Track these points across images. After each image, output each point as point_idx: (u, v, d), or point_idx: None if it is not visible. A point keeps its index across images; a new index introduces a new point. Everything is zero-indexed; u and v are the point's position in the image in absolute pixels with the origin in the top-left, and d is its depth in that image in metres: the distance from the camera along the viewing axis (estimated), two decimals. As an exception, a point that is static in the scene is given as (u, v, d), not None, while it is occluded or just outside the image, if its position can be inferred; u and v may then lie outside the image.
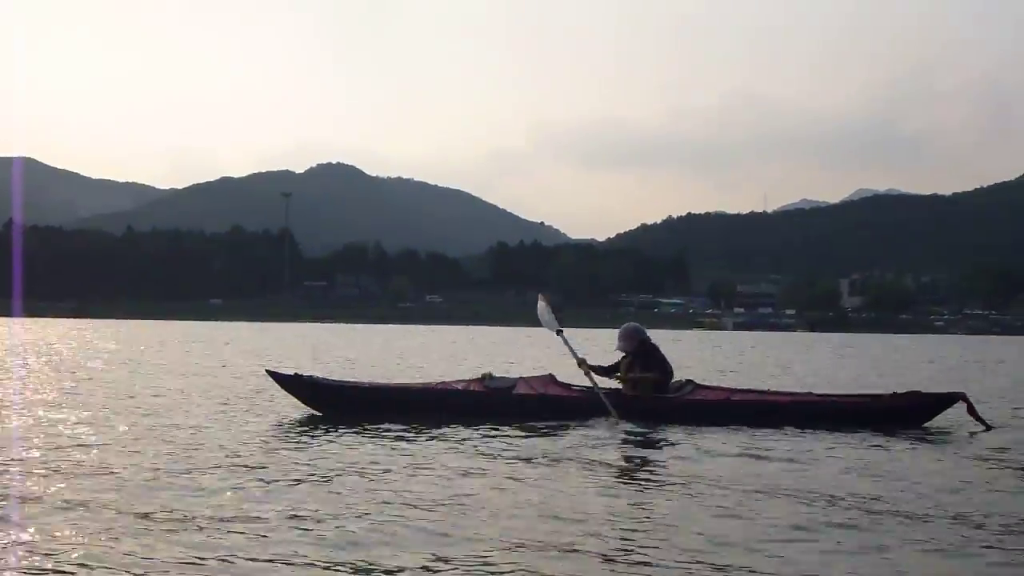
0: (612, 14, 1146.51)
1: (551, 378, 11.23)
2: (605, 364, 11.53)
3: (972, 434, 10.51)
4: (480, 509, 6.18)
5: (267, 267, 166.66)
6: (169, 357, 25.38)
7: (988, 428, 10.73)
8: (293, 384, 11.46)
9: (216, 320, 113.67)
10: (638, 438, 9.64)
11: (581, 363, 11.12)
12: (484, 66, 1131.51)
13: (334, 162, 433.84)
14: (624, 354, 11.37)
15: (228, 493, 6.50)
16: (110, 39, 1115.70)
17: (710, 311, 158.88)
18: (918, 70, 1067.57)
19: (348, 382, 12.52)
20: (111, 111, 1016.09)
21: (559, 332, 11.74)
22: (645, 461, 8.32)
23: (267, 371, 12.01)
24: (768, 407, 10.97)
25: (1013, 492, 7.25)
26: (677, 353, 32.10)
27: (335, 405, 11.16)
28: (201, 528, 5.52)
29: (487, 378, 11.25)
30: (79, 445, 8.56)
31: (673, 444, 9.26)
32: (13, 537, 5.25)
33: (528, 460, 8.13)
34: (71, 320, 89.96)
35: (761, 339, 72.74)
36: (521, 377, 11.36)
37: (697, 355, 31.62)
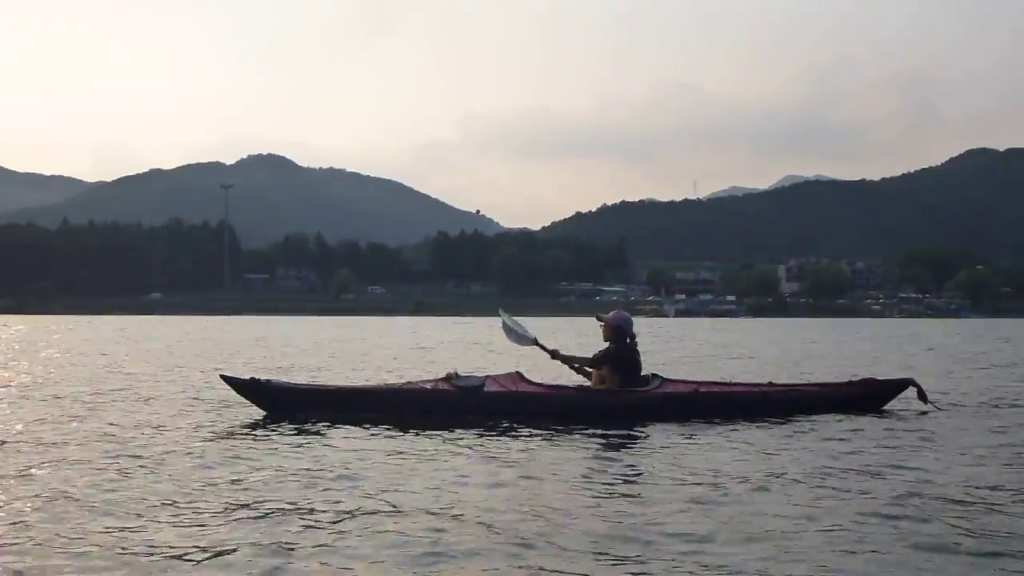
0: (542, 5, 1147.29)
1: (519, 376, 11.05)
2: (584, 356, 11.55)
3: (922, 415, 11.17)
4: (457, 510, 6.15)
5: (206, 260, 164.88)
6: (115, 356, 24.67)
7: (937, 409, 11.45)
8: (250, 389, 10.92)
9: (157, 314, 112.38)
10: (610, 433, 9.59)
11: (553, 355, 11.25)
12: (413, 57, 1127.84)
13: (264, 153, 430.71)
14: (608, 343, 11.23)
15: (180, 501, 6.32)
16: (34, 31, 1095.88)
17: (651, 298, 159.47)
18: (845, 61, 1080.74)
19: (310, 385, 12.07)
20: (36, 104, 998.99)
21: (535, 341, 11.56)
22: (617, 457, 8.33)
23: (222, 376, 11.48)
24: (735, 399, 11.21)
25: (973, 467, 7.80)
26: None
27: (297, 410, 10.64)
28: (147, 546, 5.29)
29: (453, 377, 10.91)
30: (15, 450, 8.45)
31: (645, 439, 9.37)
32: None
33: (501, 459, 8.09)
34: (5, 317, 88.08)
35: (707, 326, 73.19)
36: (489, 375, 11.10)
37: (653, 346, 31.85)
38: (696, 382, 11.76)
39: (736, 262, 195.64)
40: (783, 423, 10.30)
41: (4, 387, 14.67)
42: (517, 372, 11.17)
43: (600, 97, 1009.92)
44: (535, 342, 11.51)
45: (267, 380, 11.14)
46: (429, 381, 11.19)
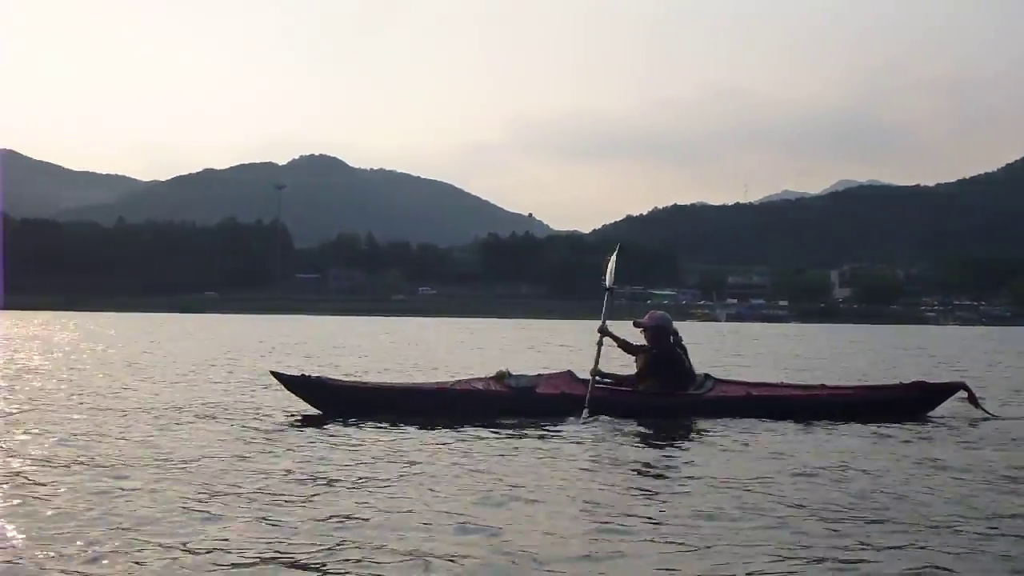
0: (589, 5, 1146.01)
1: (570, 375, 11.03)
2: (632, 343, 11.30)
3: (974, 422, 10.88)
4: (510, 511, 6.11)
5: (259, 259, 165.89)
6: (171, 353, 25.00)
7: (989, 415, 11.16)
8: (300, 385, 10.95)
9: (209, 312, 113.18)
10: (661, 436, 9.54)
11: (601, 330, 11.12)
12: (461, 58, 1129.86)
13: (316, 154, 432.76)
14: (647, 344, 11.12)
15: (235, 502, 6.25)
16: (91, 32, 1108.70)
17: (702, 302, 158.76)
18: (896, 61, 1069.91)
19: (359, 383, 12.02)
20: (93, 104, 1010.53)
21: (607, 289, 11.63)
22: (670, 460, 8.28)
23: (272, 372, 11.53)
24: (785, 401, 11.14)
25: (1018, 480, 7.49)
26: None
27: (345, 406, 10.63)
28: (203, 535, 5.36)
29: (505, 376, 10.93)
30: (78, 444, 8.55)
31: (696, 442, 9.31)
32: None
33: (553, 461, 8.02)
34: (63, 313, 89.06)
35: (760, 331, 72.59)
36: (541, 375, 11.14)
37: (710, 348, 31.61)
38: (747, 383, 11.72)
39: (787, 267, 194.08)
40: (832, 426, 10.28)
41: (60, 383, 14.76)
42: (569, 372, 11.17)
43: (649, 98, 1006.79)
44: (607, 291, 11.63)
45: (317, 376, 11.18)
46: (480, 380, 11.15)
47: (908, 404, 11.31)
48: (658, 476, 7.47)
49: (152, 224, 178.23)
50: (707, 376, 11.22)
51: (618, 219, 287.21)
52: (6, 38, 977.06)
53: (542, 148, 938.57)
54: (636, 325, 11.21)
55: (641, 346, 11.14)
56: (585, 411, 10.22)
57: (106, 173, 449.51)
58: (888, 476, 7.38)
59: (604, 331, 11.12)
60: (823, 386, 12.07)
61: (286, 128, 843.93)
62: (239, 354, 24.31)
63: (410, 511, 6.00)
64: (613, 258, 12.16)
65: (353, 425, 9.82)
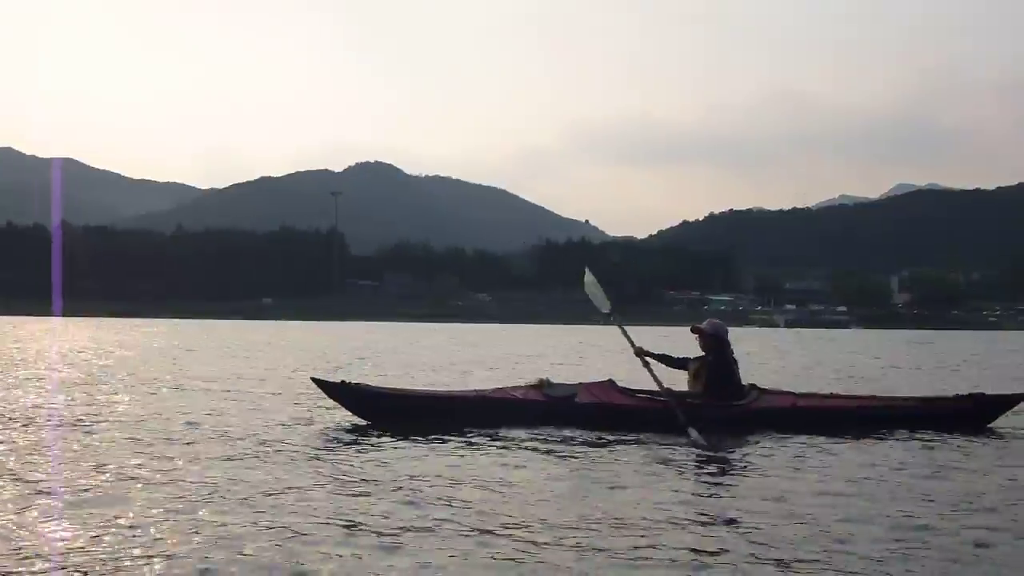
0: (643, 10, 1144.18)
1: (611, 384, 10.81)
2: (673, 355, 11.10)
3: None
4: (547, 521, 6.00)
5: (316, 266, 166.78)
6: (219, 359, 25.15)
7: None
8: (340, 392, 10.89)
9: (267, 319, 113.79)
10: (704, 448, 9.27)
11: (639, 352, 10.78)
12: (516, 64, 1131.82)
13: (372, 161, 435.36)
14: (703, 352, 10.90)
15: (271, 507, 6.23)
16: (149, 43, 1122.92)
17: (760, 308, 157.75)
18: (954, 62, 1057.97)
19: (399, 390, 11.76)
20: (151, 113, 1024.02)
21: (609, 315, 11.32)
22: (713, 473, 8.09)
23: (313, 379, 11.45)
24: (833, 413, 10.79)
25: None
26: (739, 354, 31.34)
27: (385, 414, 10.57)
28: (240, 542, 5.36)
29: (545, 385, 10.73)
30: (121, 447, 8.65)
31: (741, 453, 9.08)
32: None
33: (593, 473, 7.85)
34: (123, 320, 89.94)
35: (818, 336, 71.67)
36: (582, 384, 10.91)
37: (766, 356, 31.12)
38: (794, 394, 11.34)
39: (846, 272, 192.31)
40: (881, 439, 9.87)
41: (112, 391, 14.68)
42: (610, 380, 10.95)
43: (705, 103, 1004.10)
44: (610, 316, 11.23)
45: (356, 384, 11.13)
46: (520, 388, 10.97)
47: (965, 416, 10.86)
48: (695, 494, 7.16)
49: (210, 231, 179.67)
50: (752, 386, 10.93)
51: (674, 224, 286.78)
52: (68, 52, 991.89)
53: (597, 153, 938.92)
54: (694, 330, 10.95)
55: (683, 359, 10.97)
56: (690, 430, 9.76)
57: (164, 181, 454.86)
58: (937, 496, 7.02)
59: (640, 352, 10.82)
60: (874, 397, 11.75)
61: (342, 135, 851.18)
62: (290, 361, 24.34)
63: (435, 523, 5.91)
64: (588, 281, 11.81)
65: (389, 432, 9.81)
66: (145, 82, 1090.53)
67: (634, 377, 11.54)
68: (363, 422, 10.58)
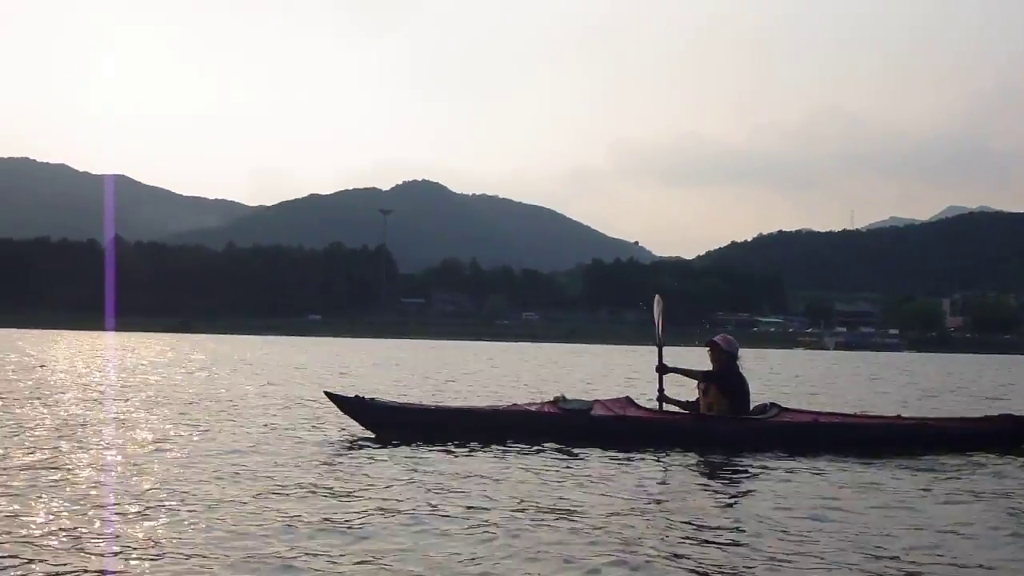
0: (691, 30, 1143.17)
1: (628, 400, 10.79)
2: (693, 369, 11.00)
3: None
4: (557, 539, 5.90)
5: (364, 283, 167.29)
6: (253, 373, 25.28)
7: None
8: (353, 407, 10.87)
9: (315, 336, 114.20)
10: (720, 464, 9.18)
11: (659, 370, 10.76)
12: (563, 84, 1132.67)
13: (419, 179, 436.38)
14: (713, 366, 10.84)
15: (276, 528, 6.12)
16: (200, 63, 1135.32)
17: (810, 330, 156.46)
18: (1006, 84, 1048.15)
19: (413, 404, 11.80)
20: (201, 131, 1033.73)
21: (659, 339, 11.18)
22: (728, 490, 7.90)
23: (326, 392, 11.44)
24: (856, 432, 10.51)
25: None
26: (789, 373, 31.01)
27: (399, 429, 10.54)
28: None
29: (560, 400, 10.72)
30: (133, 463, 8.60)
31: (757, 472, 8.85)
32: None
33: (605, 488, 7.73)
34: (173, 335, 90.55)
35: (868, 360, 70.76)
36: (597, 400, 10.84)
37: (828, 379, 30.73)
38: (816, 412, 11.17)
39: (895, 294, 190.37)
40: (906, 460, 9.61)
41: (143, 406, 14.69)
42: (627, 397, 10.96)
43: (752, 123, 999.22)
44: (660, 346, 11.06)
45: (371, 398, 11.13)
46: (535, 404, 10.97)
47: (994, 438, 10.58)
48: (709, 510, 7.05)
49: (261, 247, 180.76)
50: (772, 404, 10.81)
51: (722, 245, 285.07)
52: (119, 72, 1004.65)
53: (644, 173, 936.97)
54: (708, 344, 10.89)
55: (705, 372, 10.83)
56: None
57: (214, 198, 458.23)
58: (959, 518, 6.84)
59: (663, 369, 10.76)
60: (899, 416, 11.49)
61: (390, 154, 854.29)
62: (323, 376, 24.40)
63: (444, 537, 5.89)
64: (656, 309, 11.75)
65: (402, 446, 9.84)
66: (195, 101, 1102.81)
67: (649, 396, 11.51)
68: (377, 437, 10.53)
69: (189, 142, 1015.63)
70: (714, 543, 5.88)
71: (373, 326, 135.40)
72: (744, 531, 6.24)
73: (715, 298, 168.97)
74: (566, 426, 10.33)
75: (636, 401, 10.86)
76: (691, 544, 5.83)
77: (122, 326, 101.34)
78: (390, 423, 10.69)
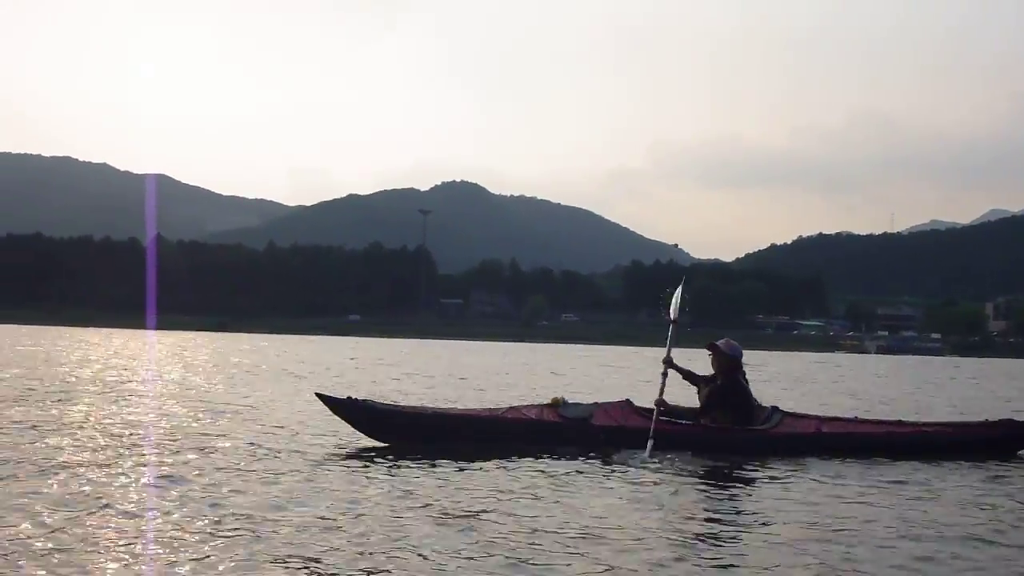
0: (731, 32, 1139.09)
1: (628, 404, 10.51)
2: (698, 374, 10.82)
3: None
4: (549, 547, 5.83)
5: (403, 284, 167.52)
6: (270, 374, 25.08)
7: None
8: (347, 409, 10.61)
9: (354, 336, 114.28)
10: (722, 474, 9.05)
11: (667, 362, 10.55)
12: (602, 85, 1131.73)
13: (458, 180, 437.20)
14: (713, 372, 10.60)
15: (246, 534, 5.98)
16: (240, 62, 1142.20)
17: (851, 334, 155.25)
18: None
19: (406, 407, 11.63)
20: (241, 131, 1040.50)
21: (672, 321, 11.00)
22: (727, 499, 7.78)
23: (317, 394, 11.11)
24: (858, 438, 10.39)
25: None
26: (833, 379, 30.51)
27: (390, 432, 10.39)
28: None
29: (560, 404, 10.49)
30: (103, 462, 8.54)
31: (759, 479, 8.77)
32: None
33: (603, 496, 7.64)
34: (214, 334, 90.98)
35: (914, 365, 69.88)
36: (598, 404, 10.59)
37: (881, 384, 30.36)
38: (818, 418, 10.92)
39: (937, 298, 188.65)
40: (906, 466, 9.51)
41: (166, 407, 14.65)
42: (627, 400, 10.67)
43: (792, 125, 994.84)
44: (672, 322, 10.93)
45: (364, 400, 10.89)
46: (534, 408, 10.69)
47: (995, 443, 10.49)
48: (708, 521, 6.87)
49: (300, 247, 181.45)
50: (775, 409, 10.61)
51: (762, 248, 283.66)
52: (159, 73, 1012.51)
53: (683, 175, 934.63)
54: (709, 348, 10.65)
55: (705, 376, 10.65)
56: (650, 443, 9.75)
57: (253, 198, 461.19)
58: (960, 526, 6.71)
59: (669, 362, 10.60)
60: (900, 422, 11.30)
61: (428, 154, 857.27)
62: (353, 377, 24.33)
63: (437, 547, 5.77)
64: (678, 291, 11.54)
65: (394, 449, 9.79)
66: (235, 101, 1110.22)
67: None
68: (369, 440, 10.43)
69: (228, 142, 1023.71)
70: (712, 554, 5.79)
71: (412, 327, 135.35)
72: (744, 541, 6.13)
73: (755, 301, 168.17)
74: (565, 432, 10.19)
75: (636, 405, 10.58)
76: (690, 555, 5.73)
77: (163, 324, 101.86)
78: (382, 426, 10.53)
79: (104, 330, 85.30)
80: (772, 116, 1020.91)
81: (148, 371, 24.04)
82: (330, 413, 10.84)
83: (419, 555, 5.56)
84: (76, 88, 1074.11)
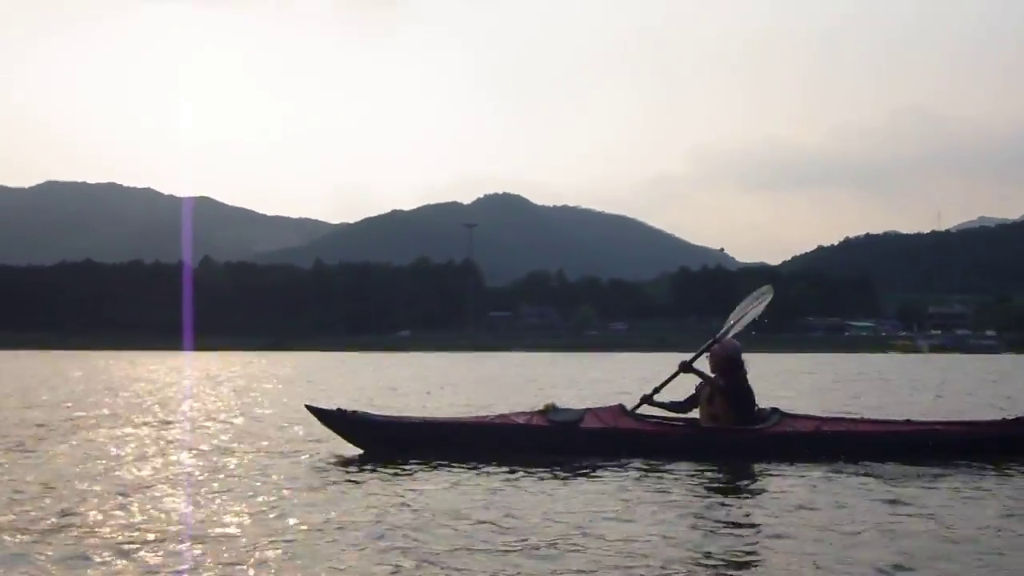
0: (766, 32, 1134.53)
1: (621, 409, 10.39)
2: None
3: None
4: (541, 552, 5.77)
5: (451, 298, 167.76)
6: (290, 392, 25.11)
7: None
8: (335, 420, 10.69)
9: (405, 351, 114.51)
10: (716, 475, 8.95)
11: (684, 365, 10.41)
12: (639, 92, 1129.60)
13: (500, 192, 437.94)
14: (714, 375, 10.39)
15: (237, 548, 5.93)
16: (279, 83, 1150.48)
17: (903, 333, 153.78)
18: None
19: (394, 417, 11.53)
20: (282, 152, 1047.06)
21: (714, 340, 10.66)
22: (724, 502, 7.60)
23: (307, 406, 11.27)
24: (861, 438, 10.08)
25: None
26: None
27: (380, 442, 10.44)
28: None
29: (550, 410, 10.39)
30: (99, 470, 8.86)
31: (756, 482, 8.63)
32: None
33: (591, 503, 7.49)
34: (265, 354, 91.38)
35: (965, 363, 68.99)
36: (589, 409, 10.51)
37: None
38: (819, 418, 10.73)
39: (988, 296, 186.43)
40: (914, 467, 9.21)
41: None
42: (620, 405, 10.58)
43: (832, 124, 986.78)
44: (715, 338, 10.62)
45: (353, 411, 10.92)
46: (524, 414, 10.62)
47: (1010, 442, 10.08)
48: (697, 527, 6.69)
49: (347, 265, 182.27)
50: (774, 410, 10.38)
51: (808, 249, 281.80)
52: (201, 97, 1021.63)
53: (723, 178, 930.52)
54: (709, 354, 10.52)
55: (709, 377, 10.43)
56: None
57: (297, 217, 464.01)
58: (966, 532, 6.47)
59: (687, 366, 10.41)
60: (908, 421, 10.97)
61: (470, 168, 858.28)
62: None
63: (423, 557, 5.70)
64: (761, 303, 11.28)
65: (384, 460, 9.73)
66: (275, 122, 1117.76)
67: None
68: (358, 451, 10.43)
69: (270, 163, 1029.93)
70: (708, 558, 5.70)
71: (464, 341, 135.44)
72: (740, 546, 5.98)
73: (805, 303, 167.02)
74: (553, 439, 10.10)
75: (628, 409, 10.48)
76: (687, 560, 5.63)
77: (212, 346, 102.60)
78: (372, 437, 10.58)
79: (157, 353, 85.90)
80: (810, 116, 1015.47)
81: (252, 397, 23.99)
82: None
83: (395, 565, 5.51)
84: (118, 115, 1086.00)
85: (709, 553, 5.84)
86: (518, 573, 5.35)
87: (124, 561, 5.61)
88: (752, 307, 11.33)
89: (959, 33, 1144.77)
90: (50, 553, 5.78)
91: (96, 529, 6.50)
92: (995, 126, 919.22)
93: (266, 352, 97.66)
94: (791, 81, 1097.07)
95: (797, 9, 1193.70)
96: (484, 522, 6.75)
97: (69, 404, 19.10)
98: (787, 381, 27.76)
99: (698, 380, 10.51)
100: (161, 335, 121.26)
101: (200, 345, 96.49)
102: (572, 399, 16.68)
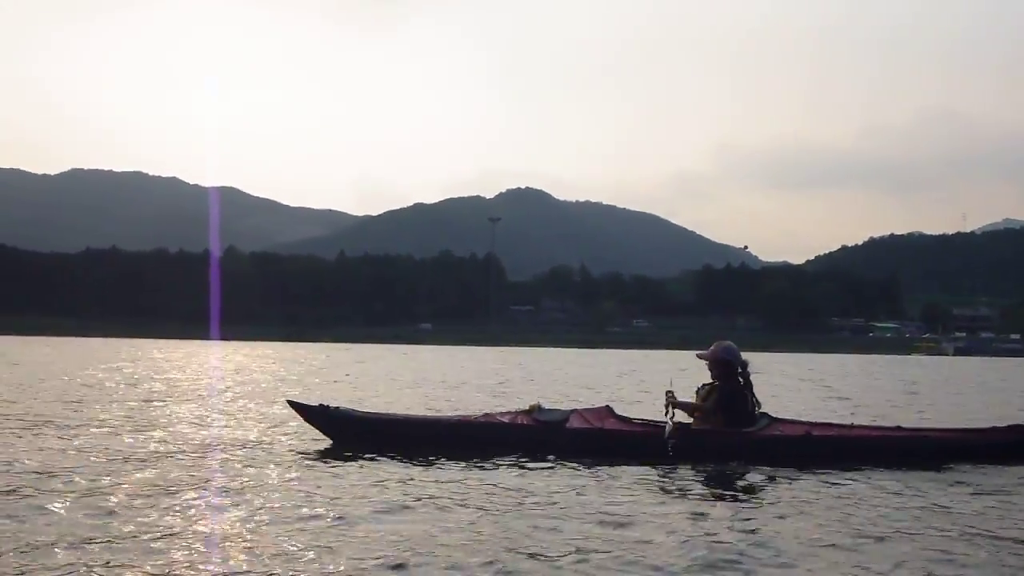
0: (795, 33, 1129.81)
1: (608, 410, 10.24)
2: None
3: None
4: (515, 556, 5.61)
5: (473, 292, 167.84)
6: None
7: None
8: (316, 416, 10.61)
9: (427, 344, 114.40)
10: (700, 478, 8.74)
11: (671, 398, 9.89)
12: (664, 88, 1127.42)
13: (523, 187, 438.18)
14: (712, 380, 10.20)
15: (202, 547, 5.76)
16: (304, 75, 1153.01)
17: (927, 335, 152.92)
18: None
19: (378, 414, 11.42)
20: (307, 143, 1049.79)
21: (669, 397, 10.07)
22: (705, 506, 7.43)
23: (288, 401, 11.20)
24: (851, 444, 9.90)
25: None
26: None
27: (363, 439, 10.20)
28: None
29: (536, 410, 10.26)
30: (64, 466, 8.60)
31: (740, 486, 8.44)
32: None
33: (574, 504, 7.27)
34: (286, 344, 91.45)
35: (988, 366, 68.40)
36: (575, 409, 10.39)
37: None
38: (809, 423, 10.56)
39: (1014, 298, 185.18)
40: (903, 473, 9.01)
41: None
42: (607, 406, 10.44)
43: (860, 125, 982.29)
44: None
45: (335, 407, 10.78)
46: (509, 413, 10.59)
47: (1002, 449, 9.84)
48: (675, 531, 6.47)
49: (370, 257, 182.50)
50: (763, 414, 10.14)
51: (832, 249, 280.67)
52: (228, 86, 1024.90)
53: (750, 178, 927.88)
54: (700, 358, 10.30)
55: (703, 398, 10.18)
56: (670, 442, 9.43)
57: (320, 208, 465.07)
58: (958, 539, 6.32)
59: (672, 401, 9.85)
60: (899, 427, 10.80)
61: (492, 162, 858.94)
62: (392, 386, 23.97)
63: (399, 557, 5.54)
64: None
65: (365, 458, 9.49)
66: (300, 113, 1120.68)
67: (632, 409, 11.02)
68: (339, 447, 10.22)
69: (295, 154, 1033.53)
70: (696, 557, 5.62)
71: (484, 334, 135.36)
72: (719, 552, 5.81)
73: (829, 303, 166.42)
74: (538, 438, 9.94)
75: (616, 410, 10.35)
76: (664, 564, 5.49)
77: (235, 335, 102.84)
78: (353, 433, 10.42)
79: (182, 342, 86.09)
80: (836, 116, 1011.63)
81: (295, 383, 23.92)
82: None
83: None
84: (145, 103, 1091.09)
85: (698, 550, 5.79)
86: (498, 569, 5.29)
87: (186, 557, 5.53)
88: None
89: (987, 35, 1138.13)
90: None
91: (96, 530, 6.37)
92: (1022, 127, 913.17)
93: (289, 343, 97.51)
94: (818, 81, 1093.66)
95: (829, 11, 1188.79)
96: (466, 519, 6.68)
97: (75, 402, 18.94)
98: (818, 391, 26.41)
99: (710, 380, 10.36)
100: (184, 324, 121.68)
101: (212, 334, 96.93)
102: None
